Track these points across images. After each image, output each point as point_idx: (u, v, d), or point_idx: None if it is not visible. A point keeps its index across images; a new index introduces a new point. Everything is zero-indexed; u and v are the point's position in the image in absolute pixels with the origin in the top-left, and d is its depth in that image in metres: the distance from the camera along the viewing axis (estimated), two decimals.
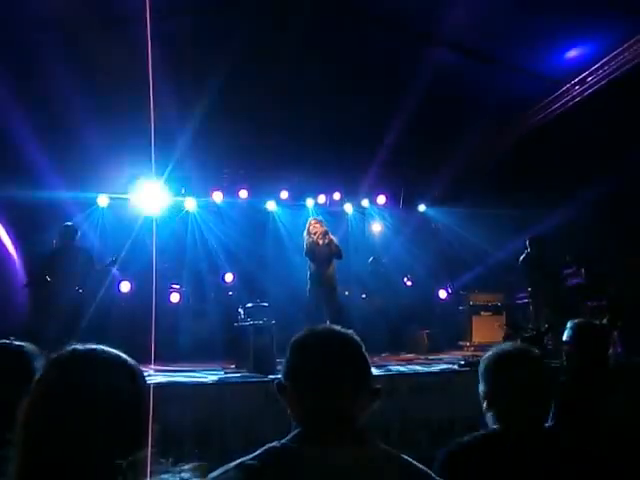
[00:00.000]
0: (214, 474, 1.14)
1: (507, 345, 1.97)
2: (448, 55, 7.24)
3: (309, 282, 7.69)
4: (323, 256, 7.57)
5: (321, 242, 7.55)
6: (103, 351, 1.14)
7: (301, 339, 1.37)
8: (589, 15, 6.61)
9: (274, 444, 1.20)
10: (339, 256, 7.61)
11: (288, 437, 1.21)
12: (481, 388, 1.89)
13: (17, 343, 1.82)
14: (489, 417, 1.87)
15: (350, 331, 1.39)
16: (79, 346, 1.15)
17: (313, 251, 7.58)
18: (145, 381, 1.24)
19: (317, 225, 7.72)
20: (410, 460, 1.24)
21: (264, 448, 1.19)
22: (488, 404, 1.84)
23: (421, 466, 1.23)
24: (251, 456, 1.18)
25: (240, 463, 1.16)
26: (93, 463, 0.86)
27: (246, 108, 8.16)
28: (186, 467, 0.75)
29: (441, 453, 1.74)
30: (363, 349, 1.36)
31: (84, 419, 1.02)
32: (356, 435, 1.22)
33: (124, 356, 1.20)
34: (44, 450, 1.02)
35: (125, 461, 1.03)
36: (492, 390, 1.84)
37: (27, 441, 1.04)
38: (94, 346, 1.17)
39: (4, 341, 1.78)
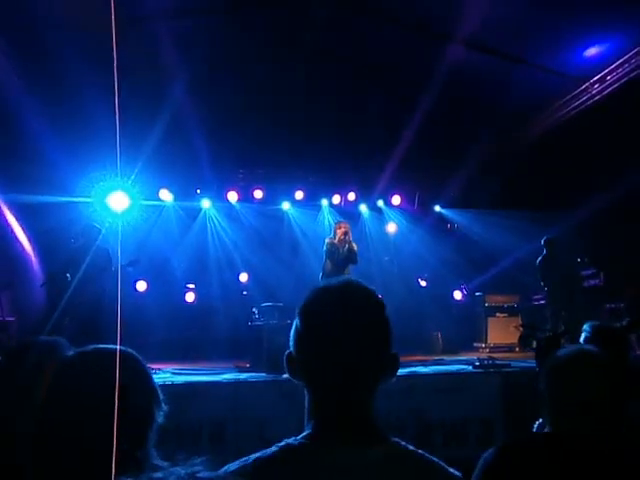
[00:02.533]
0: (232, 466, 1.13)
1: (574, 348, 1.91)
2: (465, 54, 7.19)
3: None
4: (340, 259, 7.56)
5: (339, 245, 7.56)
6: (104, 352, 1.17)
7: (311, 300, 1.21)
8: (609, 13, 6.53)
9: (290, 441, 1.15)
10: (353, 261, 7.60)
11: (303, 433, 1.17)
12: (542, 387, 1.85)
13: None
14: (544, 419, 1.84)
15: (371, 290, 1.21)
16: (81, 349, 1.19)
17: (332, 252, 7.59)
18: (150, 376, 1.25)
19: (339, 228, 7.73)
20: (428, 457, 1.18)
21: (281, 444, 1.15)
22: (548, 407, 1.81)
23: (441, 463, 1.18)
24: (268, 452, 1.14)
25: (257, 458, 1.13)
26: (102, 458, 0.87)
27: (262, 108, 8.19)
28: (198, 460, 0.76)
29: (488, 453, 1.72)
30: (384, 311, 1.20)
31: (88, 418, 1.05)
32: (370, 431, 1.16)
33: (131, 355, 1.22)
34: (55, 445, 1.06)
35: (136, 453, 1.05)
36: (553, 394, 1.79)
37: (40, 443, 1.08)
38: (100, 346, 1.20)
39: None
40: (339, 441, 1.12)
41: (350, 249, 7.53)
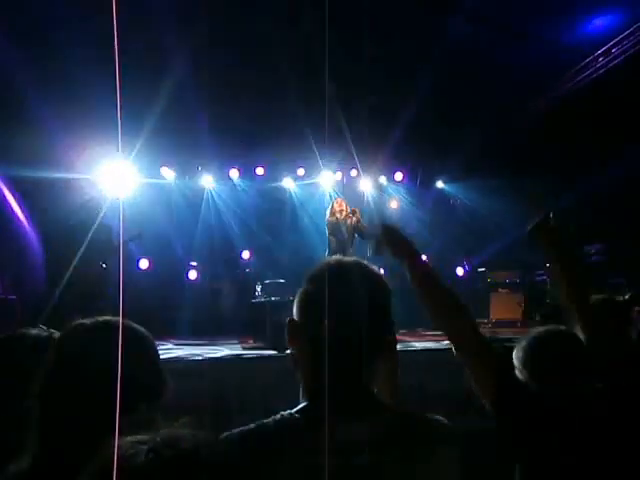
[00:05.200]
0: (230, 435, 1.13)
1: (543, 328, 1.92)
2: (467, 26, 7.07)
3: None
4: (347, 236, 7.56)
5: (348, 222, 7.56)
6: (107, 323, 1.22)
7: (322, 269, 1.23)
8: None
9: (286, 413, 1.16)
10: (361, 237, 7.61)
11: (298, 407, 1.17)
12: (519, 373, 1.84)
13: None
14: None
15: (381, 273, 1.25)
16: (86, 320, 1.24)
17: (338, 230, 7.59)
18: (150, 347, 1.29)
19: (343, 204, 7.72)
20: (423, 415, 1.20)
21: (276, 417, 1.16)
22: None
23: (433, 417, 1.21)
24: (265, 423, 1.15)
25: (253, 429, 1.13)
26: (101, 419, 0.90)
27: (263, 84, 8.10)
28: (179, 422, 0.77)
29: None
30: (390, 296, 1.23)
31: (89, 388, 1.09)
32: (367, 401, 1.16)
33: (133, 325, 1.26)
34: (58, 407, 1.12)
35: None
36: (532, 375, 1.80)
37: (45, 403, 1.14)
38: (101, 318, 1.24)
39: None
40: (335, 411, 1.12)
41: (336, 223, 7.52)
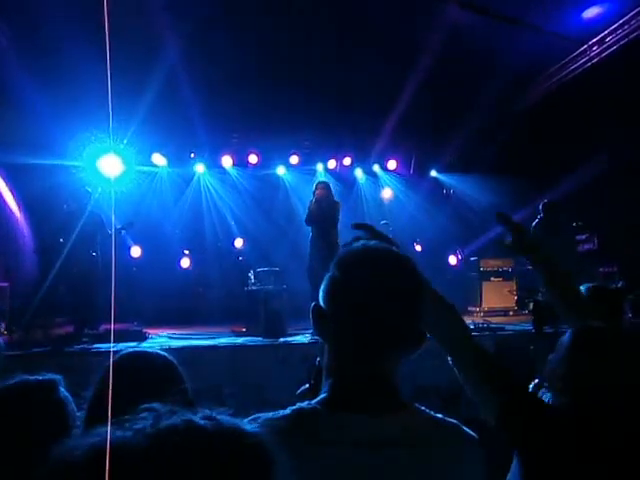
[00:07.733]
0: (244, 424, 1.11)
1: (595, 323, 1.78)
2: (462, 14, 7.03)
3: (309, 246, 7.52)
4: (316, 221, 7.37)
5: (314, 206, 7.39)
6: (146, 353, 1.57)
7: (354, 255, 1.16)
8: None
9: (304, 405, 1.10)
10: (326, 221, 7.26)
11: (318, 398, 1.12)
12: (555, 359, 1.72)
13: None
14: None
15: (413, 260, 1.16)
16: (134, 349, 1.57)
17: (309, 215, 7.45)
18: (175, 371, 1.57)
19: (317, 189, 7.56)
20: (447, 420, 1.15)
21: (294, 407, 1.10)
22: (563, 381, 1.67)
23: (459, 424, 1.15)
24: (279, 414, 1.09)
25: (267, 419, 1.07)
26: None
27: (257, 71, 8.04)
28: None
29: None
30: (421, 283, 1.16)
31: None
32: (390, 397, 1.12)
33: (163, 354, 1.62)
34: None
35: None
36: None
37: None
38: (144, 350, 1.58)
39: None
40: (357, 406, 1.08)
41: (321, 208, 7.31)
